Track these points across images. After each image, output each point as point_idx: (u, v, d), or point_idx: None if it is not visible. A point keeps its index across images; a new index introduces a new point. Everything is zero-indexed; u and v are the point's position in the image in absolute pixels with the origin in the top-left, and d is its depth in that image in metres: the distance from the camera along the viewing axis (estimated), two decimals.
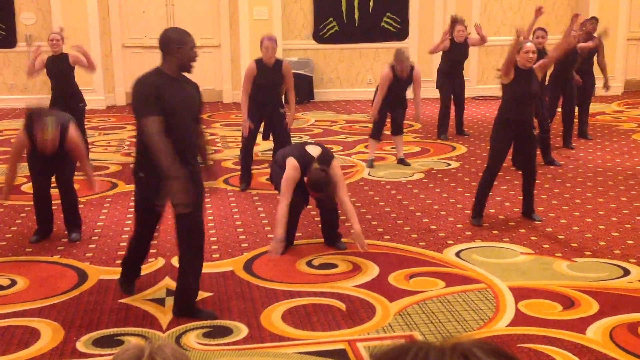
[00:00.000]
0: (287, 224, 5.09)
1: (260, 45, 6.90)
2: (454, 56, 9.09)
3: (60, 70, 7.47)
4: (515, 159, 7.25)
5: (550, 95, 8.14)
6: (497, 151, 5.78)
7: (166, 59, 3.97)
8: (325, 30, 12.47)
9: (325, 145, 5.39)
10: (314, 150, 5.11)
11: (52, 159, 5.27)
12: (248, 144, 6.90)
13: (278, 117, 6.82)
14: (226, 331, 3.95)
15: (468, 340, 1.08)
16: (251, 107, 6.76)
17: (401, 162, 7.83)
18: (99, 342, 3.85)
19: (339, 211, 5.26)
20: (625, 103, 12.03)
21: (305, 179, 4.99)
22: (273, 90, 6.83)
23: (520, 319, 4.07)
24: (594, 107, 10.15)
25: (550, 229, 5.65)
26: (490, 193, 5.94)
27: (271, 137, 7.09)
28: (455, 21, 9.15)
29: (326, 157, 5.08)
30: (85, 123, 9.56)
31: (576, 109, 8.68)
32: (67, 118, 5.32)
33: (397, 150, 7.92)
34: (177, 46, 3.92)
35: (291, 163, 5.00)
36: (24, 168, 5.81)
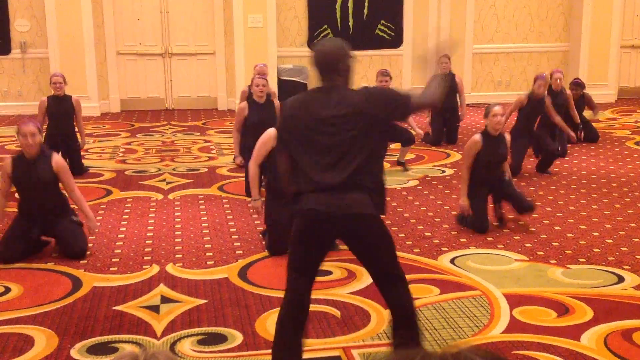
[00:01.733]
0: (279, 235, 5.18)
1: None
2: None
3: (60, 110, 7.57)
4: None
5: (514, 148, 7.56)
6: (478, 208, 5.81)
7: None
8: (319, 38, 12.49)
9: None
10: None
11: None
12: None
13: None
14: (221, 338, 3.95)
15: (469, 347, 1.08)
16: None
17: (400, 164, 7.86)
18: (93, 350, 3.84)
19: None
20: (619, 110, 12.08)
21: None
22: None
23: (514, 325, 4.07)
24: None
25: (545, 236, 5.66)
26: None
27: None
28: None
29: None
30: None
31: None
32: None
33: (400, 155, 7.93)
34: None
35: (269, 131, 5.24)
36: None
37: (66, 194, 5.39)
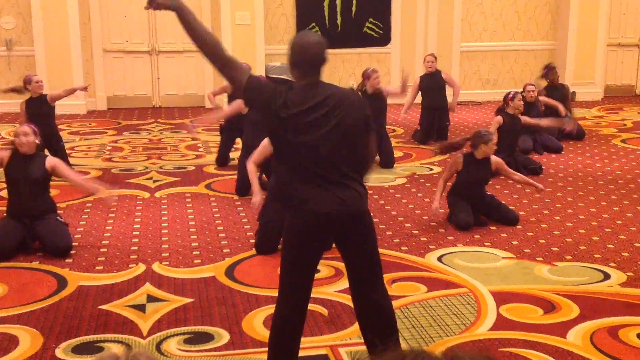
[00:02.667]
0: (268, 235, 5.22)
1: None
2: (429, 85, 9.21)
3: (41, 112, 7.50)
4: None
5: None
6: (461, 206, 5.85)
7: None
8: None
9: None
10: None
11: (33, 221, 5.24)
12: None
13: None
14: (207, 337, 3.93)
15: (466, 352, 1.07)
16: None
17: None
18: (78, 349, 3.81)
19: None
20: (605, 108, 12.14)
21: None
22: None
23: (501, 323, 4.08)
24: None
25: (531, 234, 5.68)
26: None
27: None
28: None
29: None
30: (66, 128, 9.52)
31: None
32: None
33: None
34: None
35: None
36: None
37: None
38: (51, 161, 5.37)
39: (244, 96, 3.28)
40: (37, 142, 5.33)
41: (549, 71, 9.48)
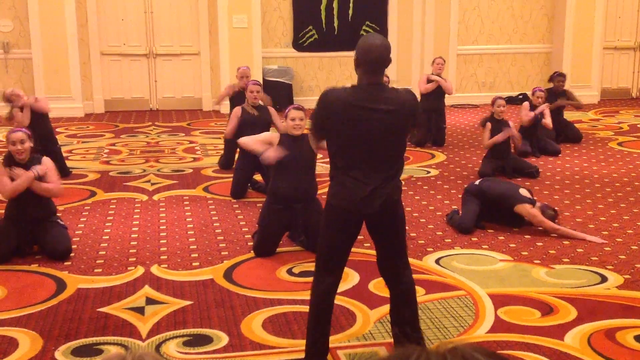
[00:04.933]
0: (267, 238, 5.27)
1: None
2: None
3: (36, 113, 7.49)
4: None
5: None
6: (468, 209, 5.89)
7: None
8: (304, 39, 12.49)
9: None
10: None
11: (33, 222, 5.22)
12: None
13: None
14: (206, 340, 3.94)
15: (466, 344, 1.09)
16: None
17: None
18: (77, 352, 3.82)
19: None
20: (602, 111, 12.17)
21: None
22: None
23: (499, 325, 4.10)
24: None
25: (529, 236, 5.70)
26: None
27: None
28: None
29: None
30: (64, 131, 9.51)
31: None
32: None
33: None
34: None
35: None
36: None
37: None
38: (45, 163, 5.29)
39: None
40: (31, 145, 5.27)
41: (554, 77, 9.50)
